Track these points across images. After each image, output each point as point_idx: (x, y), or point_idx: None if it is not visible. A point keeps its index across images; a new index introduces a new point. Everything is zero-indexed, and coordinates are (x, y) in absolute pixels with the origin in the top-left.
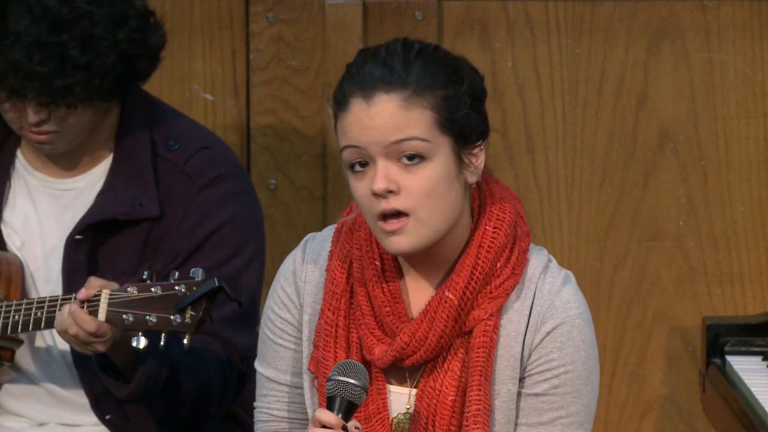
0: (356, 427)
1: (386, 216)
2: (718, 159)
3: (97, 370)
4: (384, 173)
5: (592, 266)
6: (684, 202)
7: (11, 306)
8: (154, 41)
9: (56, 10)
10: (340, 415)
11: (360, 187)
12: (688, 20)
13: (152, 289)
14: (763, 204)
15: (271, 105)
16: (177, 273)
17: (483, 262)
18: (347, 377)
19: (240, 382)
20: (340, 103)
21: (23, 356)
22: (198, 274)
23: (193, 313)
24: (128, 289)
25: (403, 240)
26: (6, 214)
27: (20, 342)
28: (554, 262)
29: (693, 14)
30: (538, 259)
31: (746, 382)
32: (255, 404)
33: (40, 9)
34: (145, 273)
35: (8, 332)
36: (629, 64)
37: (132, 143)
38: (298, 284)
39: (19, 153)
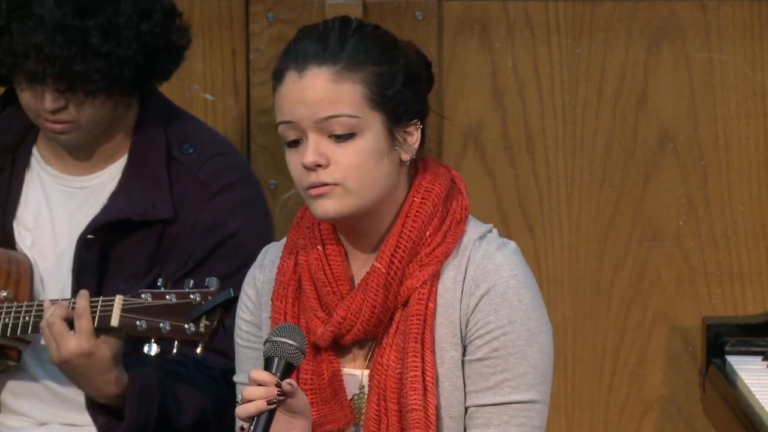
0: (290, 383)
1: (315, 184)
2: (718, 159)
3: (88, 410)
4: (314, 147)
5: (592, 266)
6: (684, 202)
7: (21, 307)
8: (176, 39)
9: None
10: (277, 375)
11: (293, 160)
12: (688, 20)
13: (167, 297)
14: (763, 204)
15: (271, 105)
16: (192, 282)
17: (409, 230)
18: (283, 338)
19: None
20: (276, 77)
21: (26, 355)
22: (213, 283)
23: (207, 323)
24: (142, 295)
25: (328, 204)
26: (19, 211)
27: (27, 342)
28: (495, 233)
29: (693, 14)
30: (476, 229)
31: (746, 382)
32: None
33: None
34: (160, 280)
35: (18, 333)
36: (629, 64)
37: (147, 144)
38: (258, 286)
39: (35, 150)
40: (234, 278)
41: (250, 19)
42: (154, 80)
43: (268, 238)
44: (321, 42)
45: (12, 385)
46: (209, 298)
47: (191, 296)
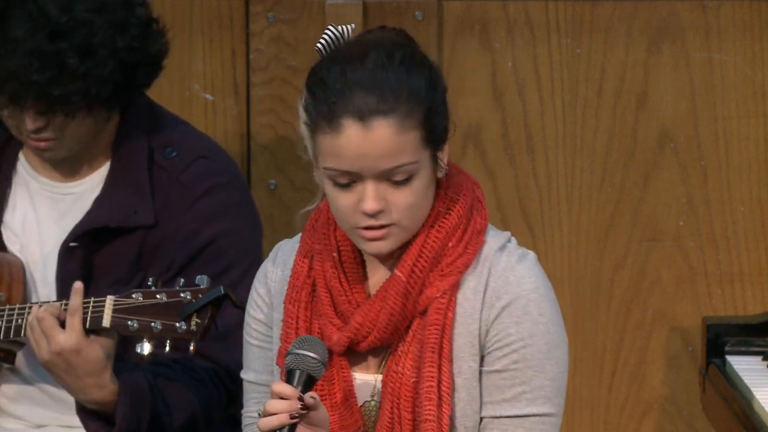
0: (312, 397)
1: (374, 227)
2: (718, 159)
3: (78, 414)
4: (375, 194)
5: (592, 266)
6: (684, 202)
7: (14, 310)
8: (155, 49)
9: (55, 18)
10: (299, 388)
11: (344, 199)
12: (688, 20)
13: (157, 296)
14: (763, 204)
15: (271, 105)
16: (182, 280)
17: (432, 240)
18: (305, 351)
19: (229, 400)
20: (330, 122)
21: (21, 358)
22: (203, 281)
23: (198, 321)
24: (133, 295)
25: (383, 245)
26: (6, 216)
27: (22, 345)
28: (514, 242)
29: (693, 14)
30: (495, 239)
31: (746, 382)
32: (242, 411)
33: (39, 16)
34: (150, 279)
35: (11, 336)
36: (629, 64)
37: (130, 150)
38: (269, 284)
39: (21, 156)
40: (218, 282)
41: (250, 19)
42: (133, 92)
43: (254, 243)
44: (380, 89)
45: (7, 388)
46: (200, 296)
47: (182, 294)
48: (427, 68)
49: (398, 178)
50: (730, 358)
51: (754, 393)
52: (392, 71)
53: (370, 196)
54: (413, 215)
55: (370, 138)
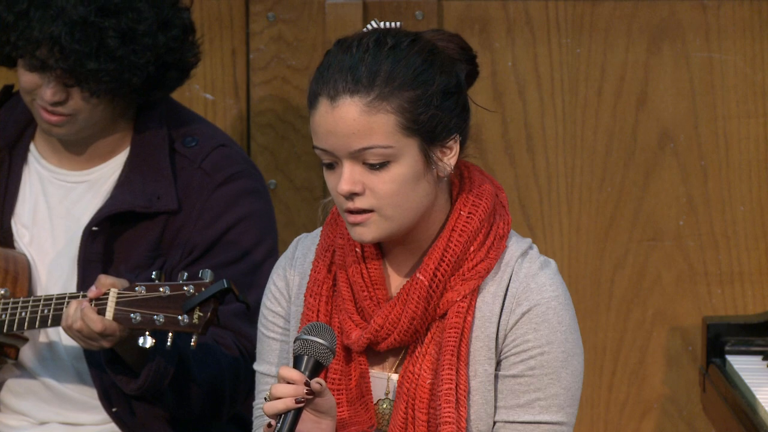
0: (318, 383)
1: (352, 210)
2: (718, 159)
3: (105, 365)
4: (348, 176)
5: (592, 266)
6: (684, 202)
7: (18, 303)
8: (189, 56)
9: None
10: (306, 373)
11: (331, 181)
12: (688, 20)
13: (160, 289)
14: (763, 204)
15: (271, 105)
16: (186, 273)
17: (455, 245)
18: (314, 336)
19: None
20: (309, 101)
21: (26, 354)
22: (207, 275)
23: (201, 314)
24: (136, 288)
25: (365, 231)
26: (17, 208)
27: (25, 340)
28: (535, 249)
29: (693, 14)
30: (518, 245)
31: (746, 381)
32: (254, 403)
33: None
34: (154, 273)
35: (15, 329)
36: (629, 64)
37: (149, 139)
38: (288, 278)
39: (32, 146)
40: (237, 265)
41: (250, 19)
42: (158, 92)
43: (272, 225)
44: (352, 71)
45: (12, 384)
46: (202, 289)
47: (185, 288)
48: (425, 61)
49: (372, 161)
50: (730, 358)
51: (755, 393)
52: (375, 55)
53: (343, 176)
54: (395, 204)
55: (335, 115)
